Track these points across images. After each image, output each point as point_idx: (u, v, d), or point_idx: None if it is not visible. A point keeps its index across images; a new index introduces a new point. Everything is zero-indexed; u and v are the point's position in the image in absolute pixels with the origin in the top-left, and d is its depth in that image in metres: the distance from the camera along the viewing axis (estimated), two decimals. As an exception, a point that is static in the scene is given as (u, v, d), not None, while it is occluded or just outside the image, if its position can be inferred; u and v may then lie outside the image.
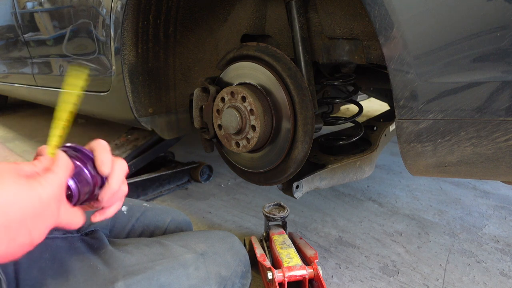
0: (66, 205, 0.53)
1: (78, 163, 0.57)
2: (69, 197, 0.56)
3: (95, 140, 0.62)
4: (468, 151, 0.71)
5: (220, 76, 1.10)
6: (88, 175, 0.58)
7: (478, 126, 0.66)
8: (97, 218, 0.63)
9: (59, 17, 1.52)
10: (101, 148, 0.61)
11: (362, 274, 1.16)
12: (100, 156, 0.60)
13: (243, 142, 1.01)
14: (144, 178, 1.65)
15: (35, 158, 0.60)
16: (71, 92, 0.57)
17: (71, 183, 0.55)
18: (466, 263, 1.21)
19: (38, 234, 0.48)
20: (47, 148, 0.55)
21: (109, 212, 0.64)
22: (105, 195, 0.61)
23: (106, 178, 0.60)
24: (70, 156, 0.57)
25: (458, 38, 0.62)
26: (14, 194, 0.45)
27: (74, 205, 0.57)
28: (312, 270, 0.98)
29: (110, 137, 1.81)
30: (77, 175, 0.56)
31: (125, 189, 0.65)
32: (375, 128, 1.39)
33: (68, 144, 0.60)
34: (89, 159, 0.59)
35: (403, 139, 0.76)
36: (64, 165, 0.53)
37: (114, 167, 0.61)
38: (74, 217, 0.55)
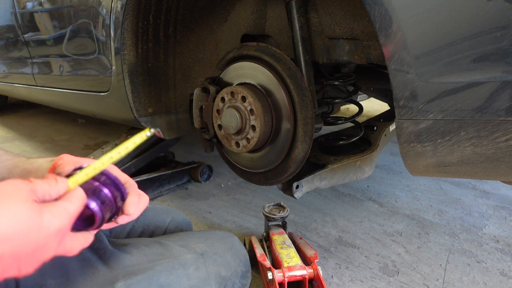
0: (68, 236, 0.51)
1: (103, 186, 0.57)
2: (92, 220, 0.55)
3: (130, 180, 0.63)
4: (468, 151, 0.71)
5: (220, 76, 1.10)
6: (110, 195, 0.57)
7: (478, 126, 0.66)
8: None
9: (59, 17, 1.52)
10: (134, 192, 0.62)
11: (362, 274, 1.16)
12: (131, 198, 0.61)
13: (243, 142, 1.01)
14: (144, 178, 1.65)
15: (51, 169, 0.59)
16: (127, 147, 0.57)
17: (94, 205, 0.54)
18: (466, 263, 1.21)
19: (30, 269, 0.46)
20: (72, 177, 0.54)
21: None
22: (123, 221, 0.62)
23: (125, 194, 0.61)
24: (97, 180, 0.57)
25: (458, 38, 0.62)
26: (21, 221, 0.42)
27: (96, 228, 0.57)
28: (312, 270, 0.98)
29: (110, 137, 1.82)
30: (99, 196, 0.56)
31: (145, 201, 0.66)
32: (375, 128, 1.39)
33: (86, 166, 0.59)
34: (108, 178, 0.59)
35: (403, 139, 0.76)
36: (79, 199, 0.51)
37: (139, 203, 0.63)
38: (73, 246, 0.52)
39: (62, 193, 0.51)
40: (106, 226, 0.61)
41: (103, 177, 0.58)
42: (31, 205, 0.45)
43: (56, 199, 0.50)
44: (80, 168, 0.59)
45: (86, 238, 0.55)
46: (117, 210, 0.60)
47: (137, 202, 0.61)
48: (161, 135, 0.61)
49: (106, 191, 0.57)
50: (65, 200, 0.49)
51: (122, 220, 0.61)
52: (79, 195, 0.51)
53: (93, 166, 0.55)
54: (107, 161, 0.56)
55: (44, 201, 0.48)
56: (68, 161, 0.61)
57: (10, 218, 0.42)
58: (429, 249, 1.29)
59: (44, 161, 0.68)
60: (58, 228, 0.47)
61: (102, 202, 0.56)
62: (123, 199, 0.60)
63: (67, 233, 0.50)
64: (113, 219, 0.61)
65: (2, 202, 0.43)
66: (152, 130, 0.58)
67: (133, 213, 0.61)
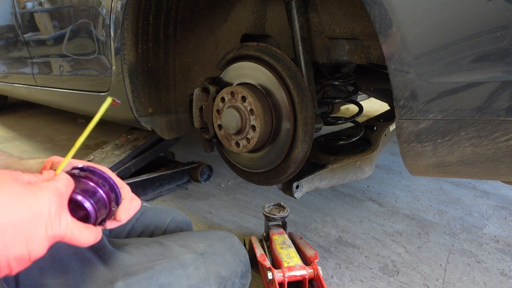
0: (69, 217, 0.51)
1: (98, 188, 0.57)
2: (85, 219, 0.55)
3: (125, 186, 0.64)
4: (468, 151, 0.71)
5: (220, 76, 1.10)
6: (105, 197, 0.58)
7: (478, 126, 0.66)
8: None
9: (59, 17, 1.52)
10: (128, 198, 0.63)
11: (362, 274, 1.16)
12: (125, 205, 0.62)
13: (243, 142, 1.01)
14: (144, 178, 1.65)
15: (41, 170, 0.60)
16: (93, 121, 0.59)
17: (88, 204, 0.54)
18: (466, 263, 1.21)
19: (37, 245, 0.45)
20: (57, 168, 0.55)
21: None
22: (111, 226, 0.62)
23: (120, 199, 0.62)
24: (87, 178, 0.57)
25: (458, 38, 0.62)
26: (10, 194, 0.43)
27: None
28: (312, 270, 0.98)
29: (110, 137, 1.82)
30: (93, 197, 0.56)
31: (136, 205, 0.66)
32: (375, 128, 1.39)
33: (83, 166, 0.60)
34: (105, 181, 0.59)
35: (403, 139, 0.76)
36: (64, 178, 0.52)
37: (129, 211, 0.63)
38: (82, 232, 0.52)
39: (49, 178, 0.52)
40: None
41: (101, 180, 0.58)
42: (13, 181, 0.45)
43: None
44: (77, 168, 0.60)
45: (96, 230, 0.55)
46: (110, 213, 0.60)
47: (129, 209, 0.62)
48: (118, 102, 0.63)
49: (101, 192, 0.57)
50: (51, 180, 0.50)
51: (110, 225, 0.62)
52: (64, 176, 0.52)
53: (72, 149, 0.56)
54: (82, 138, 0.57)
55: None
56: (61, 160, 0.62)
57: None
58: (429, 249, 1.29)
59: (34, 163, 0.68)
60: (48, 199, 0.46)
61: (97, 203, 0.56)
62: (117, 203, 0.61)
63: (64, 209, 0.50)
64: (103, 223, 0.61)
65: None
66: (109, 100, 0.60)
67: (124, 220, 0.62)
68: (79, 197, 0.54)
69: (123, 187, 0.63)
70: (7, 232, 0.42)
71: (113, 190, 0.59)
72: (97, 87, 1.45)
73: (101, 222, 0.60)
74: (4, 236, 0.42)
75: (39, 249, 0.46)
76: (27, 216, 0.44)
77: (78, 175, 0.58)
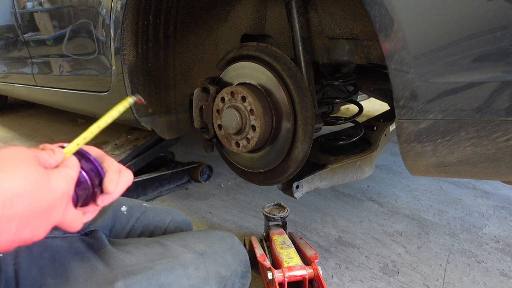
0: (71, 205, 0.52)
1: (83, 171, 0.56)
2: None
3: (109, 158, 0.61)
4: (468, 151, 0.71)
5: (220, 76, 1.10)
6: (87, 179, 0.55)
7: (478, 126, 0.66)
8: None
9: (59, 17, 1.52)
10: (113, 169, 0.59)
11: (362, 274, 1.16)
12: (110, 176, 0.58)
13: (243, 142, 1.01)
14: (144, 178, 1.65)
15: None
16: (112, 115, 0.59)
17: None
18: (466, 263, 1.21)
19: (42, 231, 0.47)
20: (66, 148, 0.55)
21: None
22: (104, 202, 0.59)
23: (103, 173, 0.58)
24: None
25: (458, 38, 0.62)
26: (32, 182, 0.44)
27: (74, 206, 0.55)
28: (312, 270, 0.98)
29: (110, 137, 1.81)
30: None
31: (128, 178, 0.62)
32: (375, 128, 1.39)
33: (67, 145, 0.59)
34: (90, 162, 0.57)
35: (403, 139, 0.76)
36: (76, 166, 0.53)
37: (119, 180, 0.59)
38: (76, 219, 0.53)
39: (59, 162, 0.52)
40: (88, 210, 0.59)
41: (77, 157, 0.56)
42: (39, 168, 0.46)
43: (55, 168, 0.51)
44: (62, 147, 0.57)
45: (82, 216, 0.55)
46: (94, 190, 0.57)
47: (116, 180, 0.58)
48: (143, 101, 0.62)
49: (82, 172, 0.55)
50: (66, 167, 0.51)
51: (102, 201, 0.58)
52: (75, 162, 0.53)
53: (82, 136, 0.56)
54: (94, 129, 0.57)
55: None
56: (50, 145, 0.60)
57: (20, 178, 0.43)
58: (429, 249, 1.29)
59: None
60: (65, 191, 0.48)
61: (77, 184, 0.53)
62: (101, 177, 0.57)
63: (70, 201, 0.51)
64: (93, 201, 0.58)
65: (11, 162, 0.44)
66: (134, 98, 0.60)
67: (114, 191, 0.58)
68: None
69: (106, 160, 0.60)
70: (20, 219, 0.43)
71: (92, 165, 0.56)
72: (97, 87, 1.45)
73: (89, 201, 0.57)
74: (18, 223, 0.43)
75: (42, 235, 0.47)
76: (43, 208, 0.45)
77: None
